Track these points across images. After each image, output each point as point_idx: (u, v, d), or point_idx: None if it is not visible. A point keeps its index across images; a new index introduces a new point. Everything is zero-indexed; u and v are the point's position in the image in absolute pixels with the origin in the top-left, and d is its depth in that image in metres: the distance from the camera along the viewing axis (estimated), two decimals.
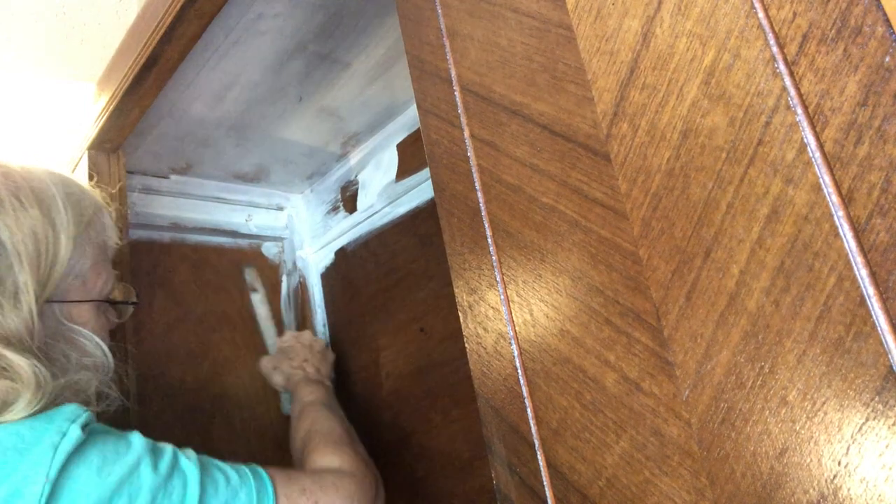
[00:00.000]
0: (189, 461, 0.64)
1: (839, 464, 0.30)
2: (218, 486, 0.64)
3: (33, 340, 0.63)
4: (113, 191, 0.99)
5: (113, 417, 0.78)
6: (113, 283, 0.77)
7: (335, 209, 1.38)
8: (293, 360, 1.16)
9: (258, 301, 1.31)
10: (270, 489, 0.68)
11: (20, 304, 0.63)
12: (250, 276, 1.32)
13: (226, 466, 0.67)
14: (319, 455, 0.86)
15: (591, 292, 0.41)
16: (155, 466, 0.61)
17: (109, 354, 0.72)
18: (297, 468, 0.90)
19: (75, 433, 0.58)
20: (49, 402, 0.61)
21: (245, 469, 0.68)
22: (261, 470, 0.69)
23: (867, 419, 0.29)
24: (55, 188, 0.70)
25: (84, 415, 0.60)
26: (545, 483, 0.43)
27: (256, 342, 1.30)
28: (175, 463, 0.63)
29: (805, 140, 0.32)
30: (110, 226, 0.78)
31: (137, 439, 0.62)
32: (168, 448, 0.65)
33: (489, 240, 0.49)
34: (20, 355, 0.61)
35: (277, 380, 1.15)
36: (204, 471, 0.64)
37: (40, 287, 0.65)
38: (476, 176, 0.50)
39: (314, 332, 1.35)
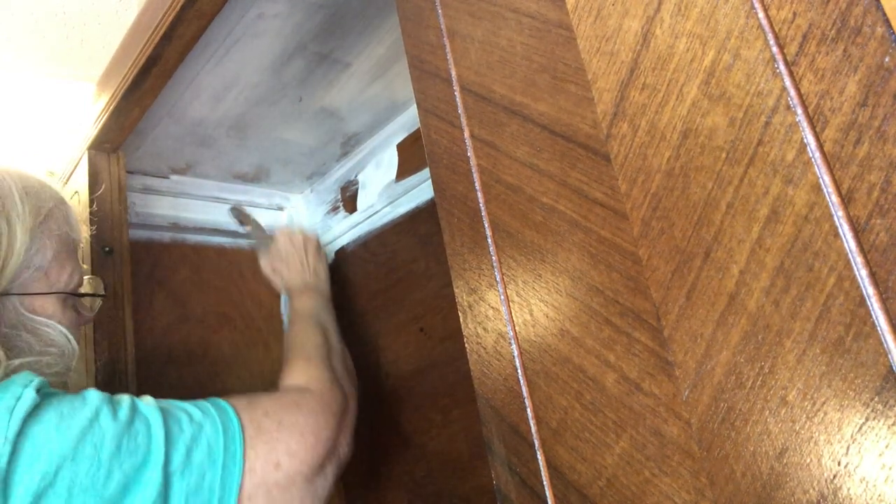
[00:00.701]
0: (148, 406, 0.64)
1: (839, 464, 0.30)
2: (181, 423, 0.64)
3: None
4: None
5: None
6: (80, 276, 0.77)
7: (335, 209, 1.38)
8: (290, 263, 1.17)
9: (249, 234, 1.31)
10: (234, 417, 0.68)
11: None
12: (235, 214, 1.31)
13: (186, 404, 0.68)
14: (289, 372, 0.88)
15: (591, 292, 0.41)
16: (114, 414, 0.61)
17: (74, 341, 0.72)
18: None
19: (30, 395, 0.58)
20: (3, 378, 0.62)
21: (206, 403, 0.69)
22: (221, 401, 0.70)
23: (867, 419, 0.29)
24: (11, 181, 0.71)
25: (36, 379, 0.60)
26: (545, 483, 0.43)
27: (256, 342, 1.30)
28: (134, 408, 0.63)
29: (805, 140, 0.32)
30: (73, 219, 0.79)
31: (93, 393, 0.63)
32: (125, 397, 0.65)
33: (489, 240, 0.49)
34: None
35: (277, 283, 1.19)
36: (165, 412, 0.64)
37: None
38: (476, 176, 0.50)
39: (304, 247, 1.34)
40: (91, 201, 1.04)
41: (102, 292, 0.85)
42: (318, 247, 1.23)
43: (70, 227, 0.77)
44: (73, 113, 1.10)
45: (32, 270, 0.70)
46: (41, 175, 0.78)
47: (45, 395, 0.60)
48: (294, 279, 1.15)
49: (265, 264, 1.21)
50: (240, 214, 1.32)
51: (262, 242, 1.25)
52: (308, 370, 0.87)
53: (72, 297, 0.75)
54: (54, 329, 0.70)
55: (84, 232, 0.82)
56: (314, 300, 1.10)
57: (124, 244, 1.07)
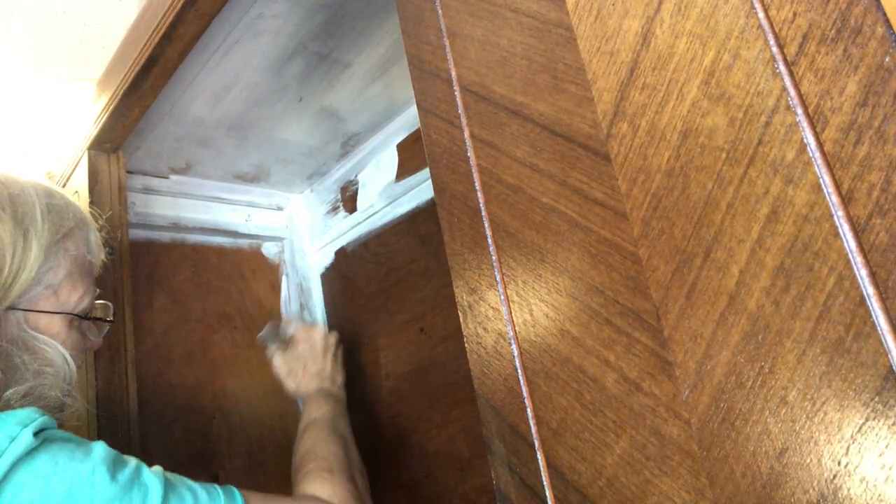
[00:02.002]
0: (153, 475, 0.61)
1: (839, 464, 0.30)
2: (184, 500, 0.61)
3: None
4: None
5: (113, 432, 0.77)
6: (91, 299, 0.75)
7: (335, 209, 1.38)
8: (307, 367, 1.12)
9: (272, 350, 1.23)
10: None
11: None
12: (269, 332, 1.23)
13: (195, 485, 0.65)
14: (311, 481, 0.83)
15: (591, 292, 0.41)
16: (113, 476, 0.58)
17: (72, 363, 0.70)
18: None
19: (26, 439, 0.55)
20: (3, 406, 0.60)
21: (217, 489, 0.65)
22: (235, 491, 0.67)
23: (867, 419, 0.29)
24: (36, 197, 0.70)
25: (39, 419, 0.58)
26: (545, 483, 0.43)
27: (256, 342, 1.30)
28: (137, 475, 0.60)
29: (805, 140, 0.32)
30: (94, 242, 0.77)
31: (99, 447, 0.60)
32: (132, 460, 0.62)
33: (489, 240, 0.49)
34: None
35: (290, 386, 1.12)
36: (169, 486, 0.61)
37: (2, 292, 0.65)
38: (476, 176, 0.50)
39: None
40: (91, 201, 1.04)
41: (111, 317, 0.82)
42: (337, 351, 1.18)
43: (88, 250, 0.76)
44: (73, 113, 1.10)
45: (42, 287, 0.69)
46: (69, 195, 0.77)
47: (45, 440, 0.57)
48: (310, 385, 1.10)
49: (279, 364, 1.13)
50: (271, 333, 1.22)
51: (279, 343, 1.18)
52: (332, 483, 0.83)
53: (78, 319, 0.74)
54: (53, 349, 0.69)
55: (103, 255, 0.80)
56: (330, 407, 1.04)
57: (124, 244, 1.07)
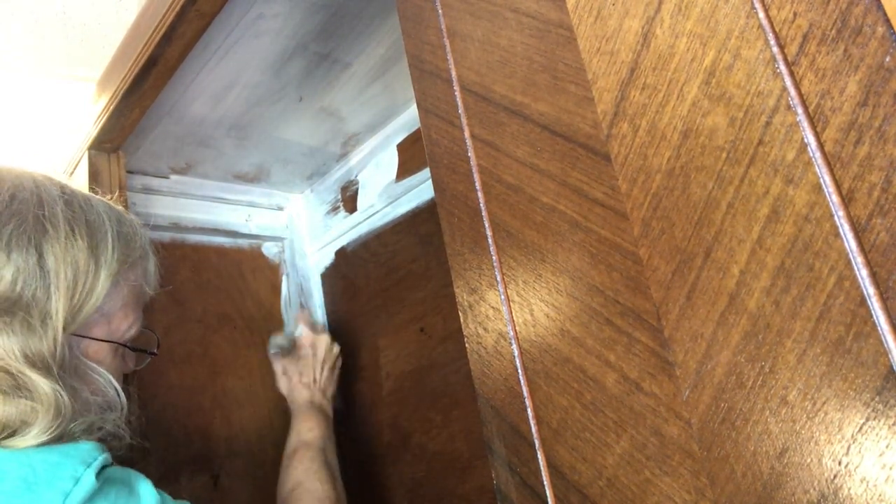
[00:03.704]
0: None
1: (839, 464, 0.30)
2: None
3: (55, 367, 0.62)
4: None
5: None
6: (138, 329, 0.74)
7: (335, 209, 1.38)
8: (303, 374, 1.13)
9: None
10: None
11: (47, 329, 0.62)
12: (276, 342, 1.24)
13: None
14: None
15: (592, 292, 0.41)
16: None
17: (122, 395, 0.69)
18: None
19: (89, 481, 0.55)
20: (64, 433, 0.60)
21: None
22: None
23: (867, 419, 0.29)
24: (109, 224, 0.70)
25: (100, 457, 0.58)
26: (545, 483, 0.43)
27: (256, 342, 1.30)
28: None
29: (805, 140, 0.32)
30: (152, 273, 0.77)
31: (147, 493, 0.60)
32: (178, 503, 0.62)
33: (489, 240, 0.49)
34: (44, 378, 0.59)
35: (282, 386, 1.14)
36: None
37: (70, 317, 0.64)
38: (476, 176, 0.50)
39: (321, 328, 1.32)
40: None
41: (155, 350, 0.81)
42: (336, 363, 1.19)
43: (146, 281, 0.75)
44: (73, 113, 1.10)
45: (99, 315, 0.68)
46: (136, 219, 0.77)
47: (105, 481, 0.57)
48: (302, 393, 1.11)
49: (277, 365, 1.16)
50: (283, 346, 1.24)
51: (284, 348, 1.19)
52: None
53: (124, 348, 0.73)
54: (104, 378, 0.68)
55: (155, 286, 0.79)
56: (321, 429, 1.05)
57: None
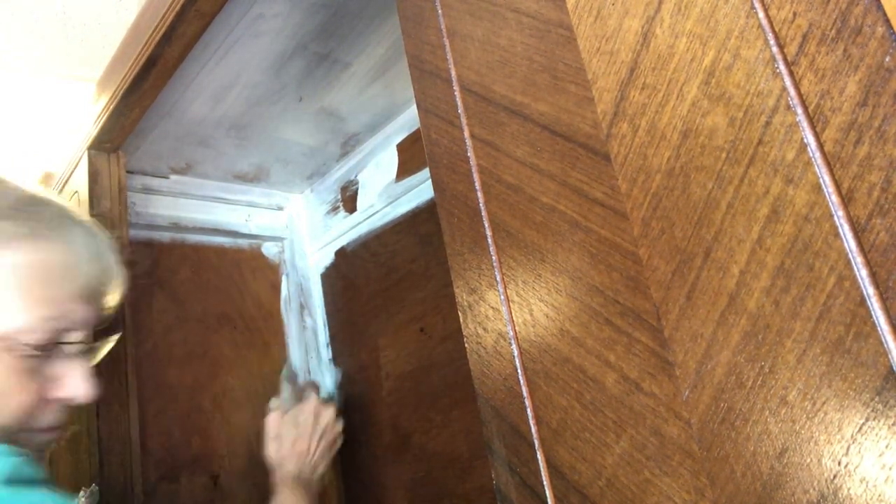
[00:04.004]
0: None
1: (839, 464, 0.30)
2: None
3: None
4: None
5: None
6: None
7: (335, 209, 1.38)
8: (298, 441, 1.06)
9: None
10: None
11: None
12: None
13: None
14: None
15: (591, 292, 0.41)
16: None
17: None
18: None
19: None
20: None
21: None
22: None
23: (867, 419, 0.29)
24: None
25: (12, 458, 0.53)
26: (545, 483, 0.43)
27: (256, 342, 1.30)
28: None
29: (805, 140, 0.32)
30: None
31: None
32: None
33: (489, 240, 0.49)
34: None
35: (271, 450, 1.06)
36: None
37: None
38: (476, 176, 0.50)
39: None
40: (91, 201, 1.04)
41: None
42: (335, 441, 1.12)
43: None
44: (73, 113, 1.10)
45: None
46: (69, 195, 0.73)
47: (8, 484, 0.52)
48: (291, 461, 1.04)
49: (274, 420, 1.08)
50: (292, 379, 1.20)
51: (291, 395, 1.13)
52: None
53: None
54: None
55: None
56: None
57: (124, 244, 1.07)
